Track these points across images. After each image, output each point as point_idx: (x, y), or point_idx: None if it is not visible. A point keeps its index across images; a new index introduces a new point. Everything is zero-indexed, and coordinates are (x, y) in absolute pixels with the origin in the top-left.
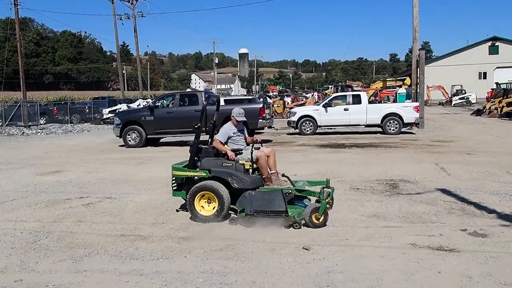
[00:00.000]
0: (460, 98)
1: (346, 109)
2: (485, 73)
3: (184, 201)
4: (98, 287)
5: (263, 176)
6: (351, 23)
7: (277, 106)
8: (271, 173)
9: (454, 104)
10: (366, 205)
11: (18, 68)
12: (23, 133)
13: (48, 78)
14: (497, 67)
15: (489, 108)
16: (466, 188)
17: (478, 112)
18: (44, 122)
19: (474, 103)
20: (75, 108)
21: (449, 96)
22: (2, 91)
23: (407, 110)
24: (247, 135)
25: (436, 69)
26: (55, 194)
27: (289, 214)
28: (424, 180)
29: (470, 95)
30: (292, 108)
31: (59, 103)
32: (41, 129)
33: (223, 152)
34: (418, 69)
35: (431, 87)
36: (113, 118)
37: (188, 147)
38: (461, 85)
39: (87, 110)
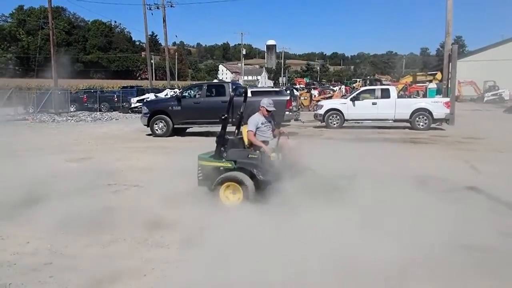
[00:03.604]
0: (492, 95)
1: (374, 103)
2: None
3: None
4: (125, 273)
5: None
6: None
7: (304, 99)
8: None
9: (486, 101)
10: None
11: (50, 56)
12: (54, 120)
13: (79, 66)
14: None
15: None
16: (497, 187)
17: (511, 109)
18: (74, 109)
19: (507, 100)
20: (104, 96)
21: (481, 92)
22: (35, 78)
23: (437, 106)
24: (274, 127)
25: (469, 64)
26: (84, 181)
27: None
28: (454, 178)
29: (503, 92)
30: (319, 101)
31: (89, 92)
32: (71, 117)
33: (256, 145)
34: (450, 64)
35: (462, 82)
36: (141, 107)
37: (214, 138)
38: (494, 81)
39: (116, 99)
